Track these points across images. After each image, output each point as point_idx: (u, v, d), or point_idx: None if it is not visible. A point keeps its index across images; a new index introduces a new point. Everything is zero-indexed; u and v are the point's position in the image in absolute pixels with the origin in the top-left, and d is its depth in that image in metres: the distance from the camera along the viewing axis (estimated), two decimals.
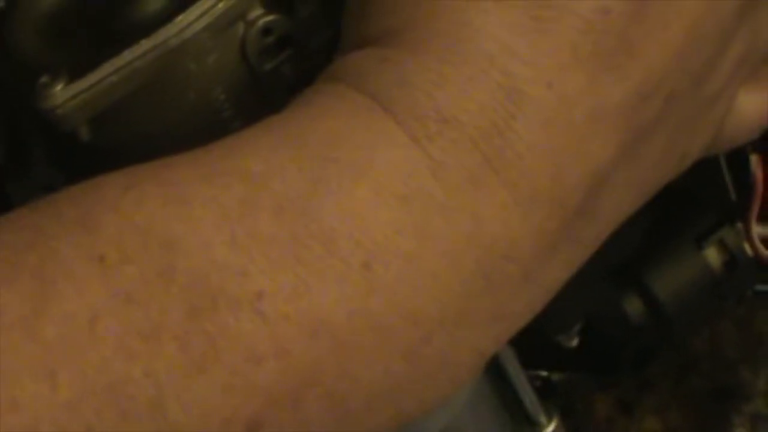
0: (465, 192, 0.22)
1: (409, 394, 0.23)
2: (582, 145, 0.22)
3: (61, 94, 0.26)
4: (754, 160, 0.42)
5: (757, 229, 0.43)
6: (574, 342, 0.39)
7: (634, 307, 0.39)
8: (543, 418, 0.39)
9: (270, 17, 0.28)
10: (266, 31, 0.28)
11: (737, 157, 0.42)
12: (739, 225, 0.43)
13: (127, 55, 0.26)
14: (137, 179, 0.22)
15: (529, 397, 0.39)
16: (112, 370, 0.20)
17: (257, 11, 0.28)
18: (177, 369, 0.20)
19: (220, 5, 0.27)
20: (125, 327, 0.20)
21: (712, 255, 0.40)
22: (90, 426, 0.19)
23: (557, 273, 0.24)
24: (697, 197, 0.41)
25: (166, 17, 0.27)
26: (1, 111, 0.31)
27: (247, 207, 0.21)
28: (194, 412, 0.20)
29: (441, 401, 0.24)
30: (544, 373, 0.40)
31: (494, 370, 0.38)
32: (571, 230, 0.23)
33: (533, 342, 0.39)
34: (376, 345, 0.21)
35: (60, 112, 0.25)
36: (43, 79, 0.26)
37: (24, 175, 0.33)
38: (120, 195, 0.21)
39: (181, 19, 0.26)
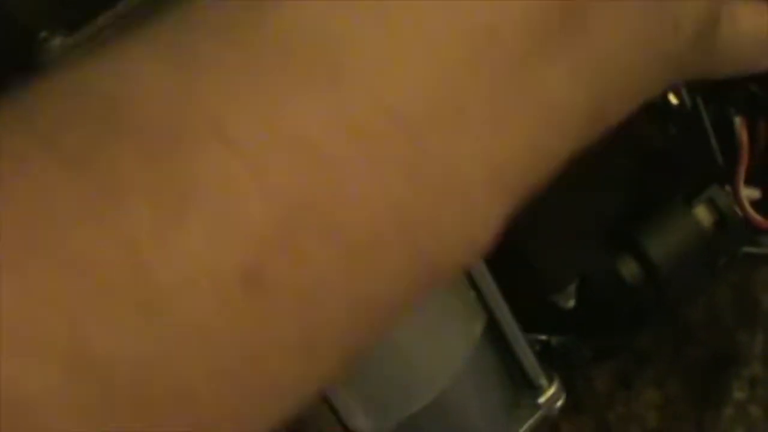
0: None
1: (422, 225, 0.20)
2: None
3: (60, 46, 0.26)
4: (739, 122, 0.42)
5: (746, 192, 0.44)
6: (571, 303, 0.39)
7: (628, 267, 0.40)
8: (543, 381, 0.40)
9: None
10: None
11: (722, 121, 0.43)
12: (728, 188, 0.44)
13: (124, 6, 0.26)
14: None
15: (529, 361, 0.40)
16: (79, 243, 0.17)
17: None
18: (150, 227, 0.18)
19: None
20: (82, 195, 0.17)
21: (703, 214, 0.41)
22: (72, 313, 0.17)
23: (560, 83, 0.22)
24: (686, 161, 0.42)
25: None
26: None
27: (186, 34, 0.19)
28: (180, 270, 0.18)
29: (465, 241, 0.21)
30: (543, 337, 0.40)
31: (493, 333, 0.39)
32: (565, 31, 0.21)
33: (531, 305, 0.40)
34: (364, 156, 0.19)
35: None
36: (43, 33, 0.26)
37: None
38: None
39: None
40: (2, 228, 0.17)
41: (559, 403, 0.40)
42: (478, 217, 0.20)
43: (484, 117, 0.20)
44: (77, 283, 0.17)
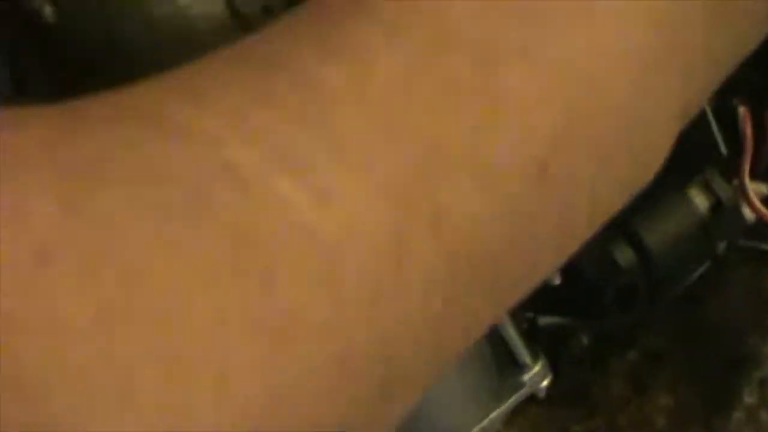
0: None
1: (640, 141, 0.26)
2: None
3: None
4: (743, 113, 0.42)
5: (753, 187, 0.43)
6: (557, 280, 0.39)
7: (618, 246, 0.39)
8: (528, 359, 0.40)
9: None
10: None
11: (726, 112, 0.42)
12: (735, 182, 0.43)
13: None
14: None
15: (514, 339, 0.39)
16: (429, 127, 0.21)
17: None
18: (477, 122, 0.22)
19: None
20: (434, 86, 0.22)
21: (698, 197, 0.40)
22: (436, 181, 0.21)
23: None
24: (685, 146, 0.41)
25: None
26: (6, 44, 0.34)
27: None
28: (503, 155, 0.22)
29: (657, 162, 0.28)
30: (530, 315, 0.40)
31: None
32: None
33: None
34: (611, 81, 0.24)
35: None
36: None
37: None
38: None
39: None
40: (368, 107, 0.21)
41: (545, 383, 0.39)
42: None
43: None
44: (426, 160, 0.21)
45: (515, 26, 0.22)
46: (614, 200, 0.27)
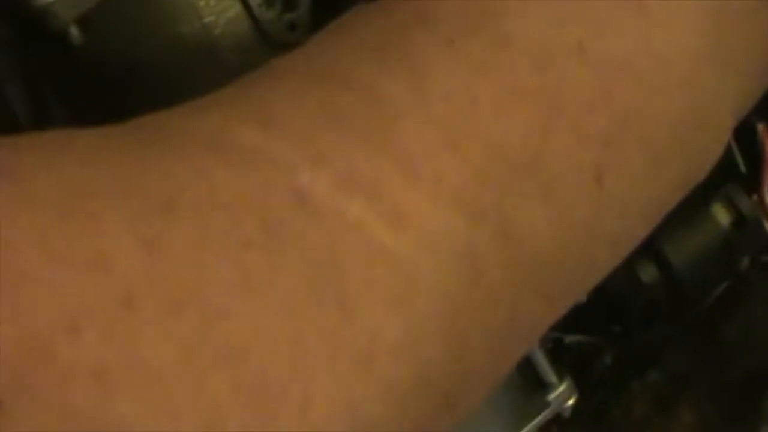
0: None
1: (692, 140, 0.26)
2: None
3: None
4: (762, 129, 0.42)
5: None
6: (583, 298, 0.39)
7: (642, 263, 0.39)
8: (554, 379, 0.39)
9: None
10: None
11: (744, 128, 0.42)
12: (755, 198, 0.43)
13: None
14: None
15: (540, 358, 0.39)
16: (492, 133, 0.21)
17: None
18: (537, 124, 0.22)
19: None
20: (495, 91, 0.22)
21: (720, 212, 0.40)
22: (501, 190, 0.21)
23: None
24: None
25: None
26: (19, 68, 0.33)
27: None
28: (561, 161, 0.22)
29: (710, 161, 0.28)
30: (556, 334, 0.40)
31: None
32: None
33: None
34: (664, 81, 0.24)
35: (52, 10, 0.28)
36: None
37: None
38: None
39: None
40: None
41: (570, 402, 0.39)
42: (721, 138, 0.28)
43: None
44: (503, 172, 0.21)
45: (570, 24, 0.23)
46: (668, 200, 0.27)
